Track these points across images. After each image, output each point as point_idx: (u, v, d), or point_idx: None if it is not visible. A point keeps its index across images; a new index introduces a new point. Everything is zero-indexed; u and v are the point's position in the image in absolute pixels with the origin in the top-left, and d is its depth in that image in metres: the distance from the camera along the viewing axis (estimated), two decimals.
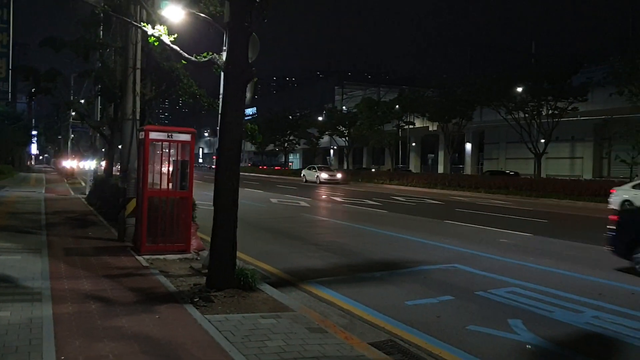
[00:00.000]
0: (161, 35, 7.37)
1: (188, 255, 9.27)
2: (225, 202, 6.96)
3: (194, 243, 9.67)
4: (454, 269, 9.45)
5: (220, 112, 7.45)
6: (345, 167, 71.13)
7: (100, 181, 19.24)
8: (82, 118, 18.87)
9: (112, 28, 15.42)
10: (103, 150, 26.66)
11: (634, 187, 21.15)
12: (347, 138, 61.99)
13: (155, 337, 5.10)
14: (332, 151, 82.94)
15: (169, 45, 7.37)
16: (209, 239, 11.01)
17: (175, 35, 7.59)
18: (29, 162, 76.04)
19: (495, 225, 16.18)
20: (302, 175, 49.53)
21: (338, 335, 5.46)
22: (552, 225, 17.27)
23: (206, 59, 7.24)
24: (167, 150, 9.27)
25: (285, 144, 68.11)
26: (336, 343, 5.19)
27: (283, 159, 79.24)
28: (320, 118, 66.88)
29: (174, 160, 9.24)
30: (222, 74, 7.75)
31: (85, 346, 4.78)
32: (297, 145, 73.72)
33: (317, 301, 7.21)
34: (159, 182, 9.31)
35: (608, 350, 5.69)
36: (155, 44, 7.59)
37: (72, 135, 50.12)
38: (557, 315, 6.74)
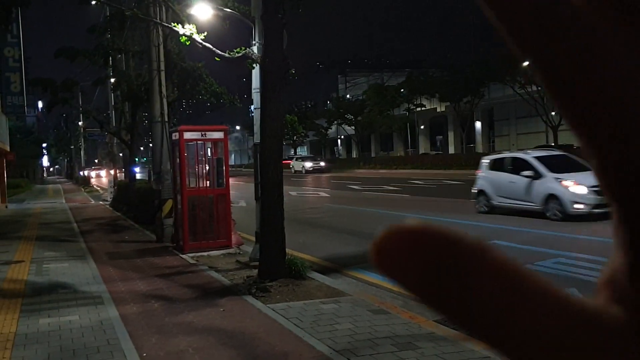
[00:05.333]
0: (192, 34, 7.44)
1: (231, 251, 9.39)
2: (271, 195, 7.05)
3: (233, 238, 9.77)
4: (494, 244, 9.48)
5: (257, 106, 7.53)
6: (353, 155, 71.17)
7: (123, 186, 19.40)
8: (101, 126, 19.00)
9: (125, 33, 15.50)
10: (121, 154, 26.90)
11: None
12: (355, 126, 61.86)
13: (226, 329, 5.21)
14: (339, 140, 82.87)
15: (200, 44, 7.45)
16: (245, 234, 11.20)
17: (205, 33, 7.66)
18: (43, 175, 76.61)
19: None
20: None
21: (402, 315, 5.54)
22: None
23: (240, 54, 7.29)
24: (201, 149, 9.37)
25: (294, 137, 68.05)
26: (402, 323, 5.27)
27: (292, 152, 79.27)
28: (326, 108, 66.82)
29: (209, 158, 9.35)
30: (255, 68, 7.81)
31: (162, 342, 4.90)
32: (305, 138, 73.66)
33: (366, 285, 7.29)
34: (195, 181, 9.43)
35: None
36: (187, 43, 7.66)
37: (81, 145, 50.48)
38: None
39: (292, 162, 48.83)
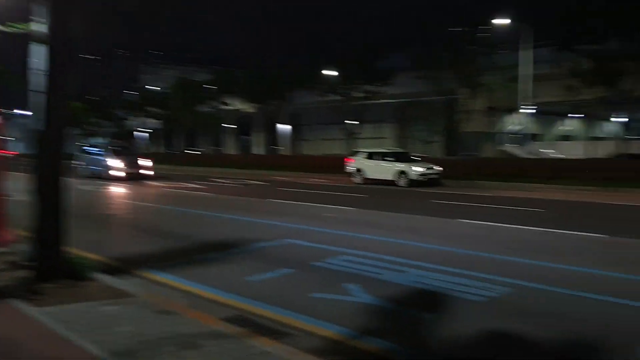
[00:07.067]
0: None
1: (1, 249, 8.33)
2: (49, 188, 6.40)
3: (5, 235, 8.71)
4: (288, 244, 9.79)
5: (36, 89, 6.80)
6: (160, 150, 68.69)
7: None
8: None
9: None
10: None
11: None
12: (161, 120, 59.75)
13: None
14: (148, 134, 79.61)
15: None
16: (21, 231, 10.05)
17: None
18: None
19: (318, 202, 16.99)
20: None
21: (187, 315, 5.39)
22: (371, 200, 18.62)
23: (23, 30, 6.52)
24: None
25: (84, 126, 62.72)
26: (188, 322, 5.13)
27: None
28: (125, 98, 63.47)
29: None
30: (37, 46, 7.05)
31: None
32: (99, 128, 68.55)
33: (156, 286, 7.02)
34: None
35: (433, 301, 6.38)
36: None
37: None
38: (386, 277, 7.36)
39: (353, 162, 27.45)
